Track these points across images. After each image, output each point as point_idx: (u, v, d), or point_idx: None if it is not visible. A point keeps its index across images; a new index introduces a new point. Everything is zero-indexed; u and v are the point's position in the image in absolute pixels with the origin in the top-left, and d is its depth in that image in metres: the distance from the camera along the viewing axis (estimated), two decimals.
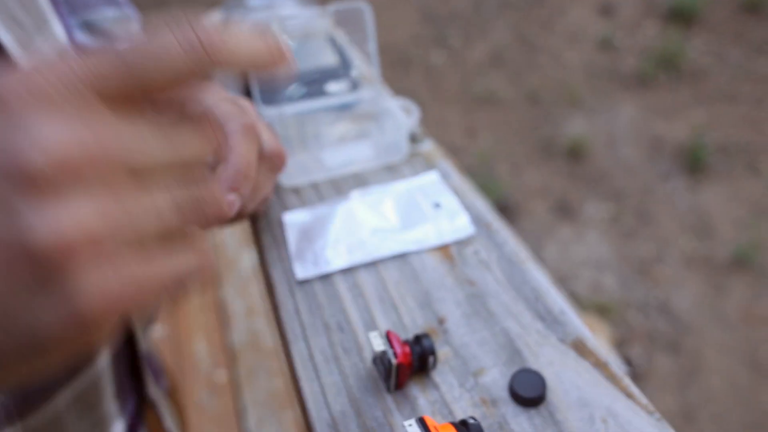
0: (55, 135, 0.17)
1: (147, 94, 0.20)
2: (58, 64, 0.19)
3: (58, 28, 0.43)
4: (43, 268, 0.17)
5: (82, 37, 0.52)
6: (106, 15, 0.55)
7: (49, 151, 0.17)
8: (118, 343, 0.47)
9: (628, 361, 1.70)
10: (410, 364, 0.33)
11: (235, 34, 0.21)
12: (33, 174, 0.17)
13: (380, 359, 0.34)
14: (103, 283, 0.18)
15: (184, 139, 0.21)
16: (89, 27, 0.53)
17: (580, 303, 1.85)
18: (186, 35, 0.20)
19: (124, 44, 0.20)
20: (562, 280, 1.94)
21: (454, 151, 2.44)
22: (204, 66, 0.20)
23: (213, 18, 0.86)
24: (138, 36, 0.20)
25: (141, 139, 0.20)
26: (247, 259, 1.75)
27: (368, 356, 0.37)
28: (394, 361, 0.32)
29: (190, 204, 0.21)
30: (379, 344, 0.33)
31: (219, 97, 0.42)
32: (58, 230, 0.17)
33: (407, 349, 0.33)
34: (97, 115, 0.19)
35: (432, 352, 0.34)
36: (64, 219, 0.17)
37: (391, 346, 0.33)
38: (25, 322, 0.18)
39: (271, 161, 0.42)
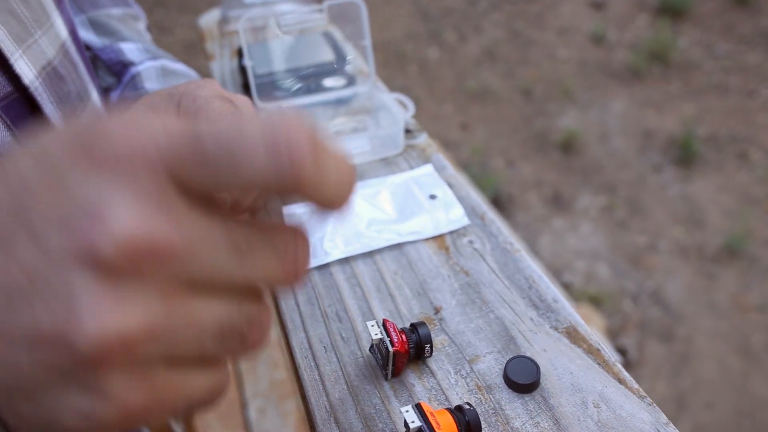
0: (130, 222, 0.17)
1: (223, 192, 0.19)
2: (142, 135, 0.18)
3: (59, 24, 0.44)
4: (79, 361, 0.17)
5: (86, 35, 0.52)
6: (111, 12, 0.55)
7: (120, 240, 0.16)
8: None
9: (621, 352, 1.72)
10: (407, 352, 0.34)
11: (332, 160, 0.18)
12: (98, 258, 0.17)
13: (378, 347, 0.35)
14: (131, 392, 0.18)
15: (257, 258, 0.19)
16: (94, 24, 0.53)
17: (573, 294, 1.87)
18: (275, 140, 0.17)
19: (208, 127, 0.18)
20: (556, 272, 1.95)
21: (448, 146, 2.45)
22: (284, 189, 0.18)
23: (212, 15, 0.86)
24: (228, 119, 0.18)
25: (212, 247, 0.18)
26: None
27: (366, 345, 0.38)
28: (391, 349, 0.33)
29: (235, 332, 0.20)
30: (376, 333, 0.34)
31: (214, 94, 0.42)
32: (105, 329, 0.16)
33: (404, 337, 0.34)
34: (173, 206, 0.18)
35: (428, 340, 0.35)
36: (114, 318, 0.17)
37: (388, 334, 0.34)
38: (44, 410, 0.18)
39: None
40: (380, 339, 0.34)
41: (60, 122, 0.25)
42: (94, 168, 0.18)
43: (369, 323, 0.34)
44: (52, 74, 0.40)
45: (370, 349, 0.37)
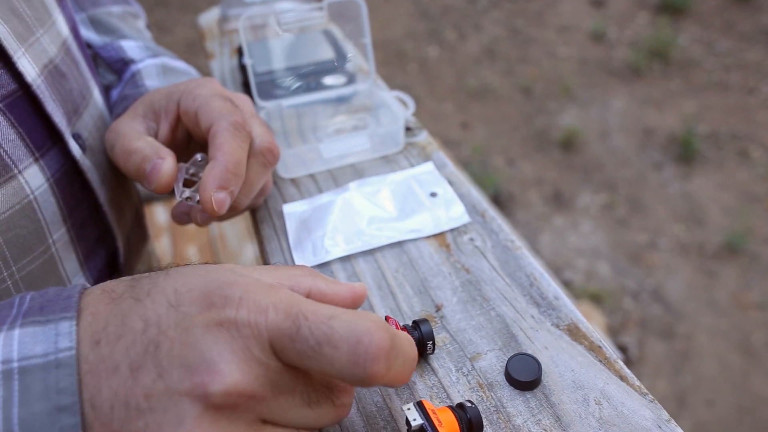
0: (236, 376, 0.22)
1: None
2: (258, 308, 0.24)
3: (60, 22, 0.44)
4: None
5: (87, 33, 0.52)
6: (111, 10, 0.55)
7: (228, 389, 0.22)
8: None
9: (622, 349, 1.72)
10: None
11: (401, 356, 0.25)
12: (209, 398, 0.22)
13: None
14: None
15: (321, 408, 0.26)
16: (94, 22, 0.53)
17: (574, 291, 1.87)
18: (357, 350, 0.23)
19: (308, 316, 0.24)
20: (556, 270, 1.95)
21: (449, 145, 2.44)
22: (357, 382, 0.24)
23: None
24: (324, 313, 0.24)
25: (290, 399, 0.24)
26: (249, 252, 1.75)
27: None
28: None
29: None
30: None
31: (213, 93, 0.42)
32: None
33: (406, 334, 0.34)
34: (269, 367, 0.24)
35: (431, 337, 0.35)
36: None
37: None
38: None
39: (264, 157, 0.42)
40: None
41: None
42: (217, 327, 0.23)
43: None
44: (54, 72, 0.40)
45: None
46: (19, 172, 0.35)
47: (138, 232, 0.54)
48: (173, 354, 0.23)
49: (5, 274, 0.35)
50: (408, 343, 0.26)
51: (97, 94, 0.48)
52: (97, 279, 0.44)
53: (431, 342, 0.35)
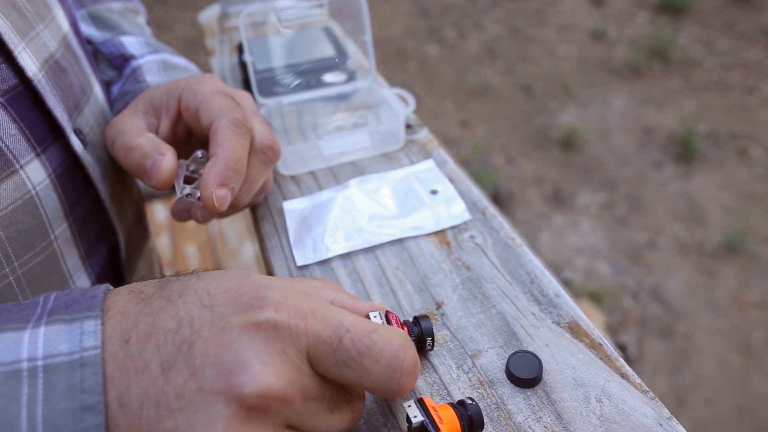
0: (270, 378, 0.22)
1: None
2: (298, 313, 0.24)
3: (60, 17, 0.43)
4: None
5: (87, 29, 0.52)
6: (111, 6, 0.55)
7: (261, 390, 0.22)
8: None
9: (621, 348, 1.72)
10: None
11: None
12: (241, 399, 0.22)
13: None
14: None
15: (341, 412, 0.27)
16: (95, 18, 0.53)
17: (573, 290, 1.87)
18: (395, 366, 0.25)
19: (351, 328, 0.24)
20: (556, 269, 1.95)
21: (449, 143, 2.44)
22: (386, 394, 0.25)
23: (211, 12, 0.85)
24: (365, 327, 0.25)
25: (317, 403, 0.25)
26: (248, 250, 1.75)
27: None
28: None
29: None
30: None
31: (214, 90, 0.42)
32: None
33: (406, 329, 0.34)
34: (302, 371, 0.24)
35: (430, 334, 0.35)
36: None
37: (389, 322, 0.33)
38: None
39: (264, 154, 0.42)
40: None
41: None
42: (254, 328, 0.23)
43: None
44: (54, 67, 0.40)
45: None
46: (21, 167, 0.35)
47: (139, 228, 0.54)
48: (207, 353, 0.22)
49: (7, 269, 0.35)
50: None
51: (97, 90, 0.47)
52: (99, 275, 0.44)
53: (431, 338, 0.35)
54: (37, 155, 0.37)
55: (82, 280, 0.42)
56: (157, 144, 0.40)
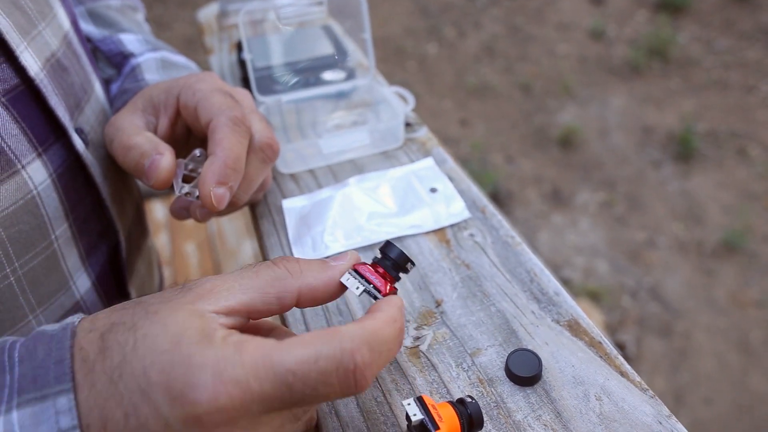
0: (219, 398, 0.23)
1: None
2: (236, 392, 0.24)
3: (61, 15, 0.43)
4: None
5: (86, 26, 0.52)
6: (110, 3, 0.55)
7: (211, 402, 0.23)
8: None
9: (620, 347, 1.72)
10: (393, 289, 0.33)
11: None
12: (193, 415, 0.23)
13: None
14: None
15: (301, 424, 0.28)
16: (93, 15, 0.52)
17: (572, 289, 1.87)
18: (346, 373, 0.25)
19: (294, 368, 0.24)
20: (555, 267, 1.95)
21: (448, 142, 2.44)
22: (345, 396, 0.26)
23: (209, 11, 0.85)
24: (303, 351, 0.24)
25: (281, 428, 0.26)
26: (247, 248, 1.75)
27: None
28: (379, 296, 0.31)
29: None
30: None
31: (213, 88, 0.42)
32: None
33: (391, 290, 0.32)
34: (263, 417, 0.25)
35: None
36: None
37: (369, 281, 0.31)
38: None
39: (263, 152, 0.42)
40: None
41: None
42: (196, 424, 0.23)
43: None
44: (56, 66, 0.40)
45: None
46: (23, 167, 0.35)
47: (139, 227, 0.54)
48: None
49: (8, 270, 0.35)
50: (386, 335, 0.27)
51: (98, 88, 0.47)
52: (99, 275, 0.44)
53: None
54: (39, 155, 0.36)
55: (82, 280, 0.41)
56: (156, 143, 0.40)
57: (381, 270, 0.32)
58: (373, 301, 0.31)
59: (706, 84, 2.69)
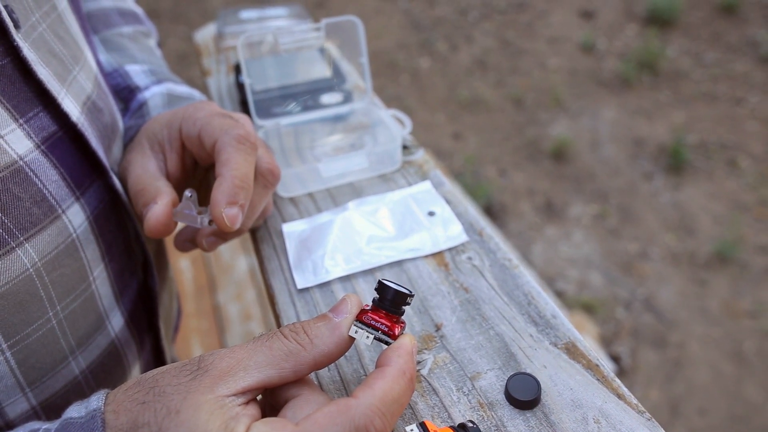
0: None
1: None
2: None
3: (89, 57, 0.43)
4: None
5: (102, 57, 0.52)
6: (123, 31, 0.55)
7: None
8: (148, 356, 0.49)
9: (615, 359, 1.73)
10: (402, 325, 0.33)
11: None
12: None
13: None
14: None
15: None
16: (106, 43, 0.53)
17: (566, 301, 1.88)
18: None
19: None
20: (549, 280, 1.96)
21: (441, 155, 2.46)
22: None
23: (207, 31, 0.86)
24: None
25: None
26: (242, 264, 1.75)
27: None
28: (390, 341, 0.32)
29: None
30: (368, 339, 0.31)
31: (212, 113, 0.42)
32: None
33: (399, 329, 0.33)
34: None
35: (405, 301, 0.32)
36: None
37: (376, 327, 0.32)
38: None
39: (264, 178, 0.42)
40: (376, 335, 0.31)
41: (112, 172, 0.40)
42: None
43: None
44: (92, 108, 0.40)
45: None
46: (63, 211, 0.35)
47: (162, 260, 0.54)
48: None
49: (50, 314, 0.35)
50: (397, 392, 0.28)
51: (122, 126, 0.48)
52: (131, 311, 0.44)
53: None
54: (77, 198, 0.37)
55: (116, 318, 0.42)
56: (154, 193, 0.40)
57: (383, 312, 0.32)
58: (384, 346, 0.31)
59: (696, 96, 2.72)
